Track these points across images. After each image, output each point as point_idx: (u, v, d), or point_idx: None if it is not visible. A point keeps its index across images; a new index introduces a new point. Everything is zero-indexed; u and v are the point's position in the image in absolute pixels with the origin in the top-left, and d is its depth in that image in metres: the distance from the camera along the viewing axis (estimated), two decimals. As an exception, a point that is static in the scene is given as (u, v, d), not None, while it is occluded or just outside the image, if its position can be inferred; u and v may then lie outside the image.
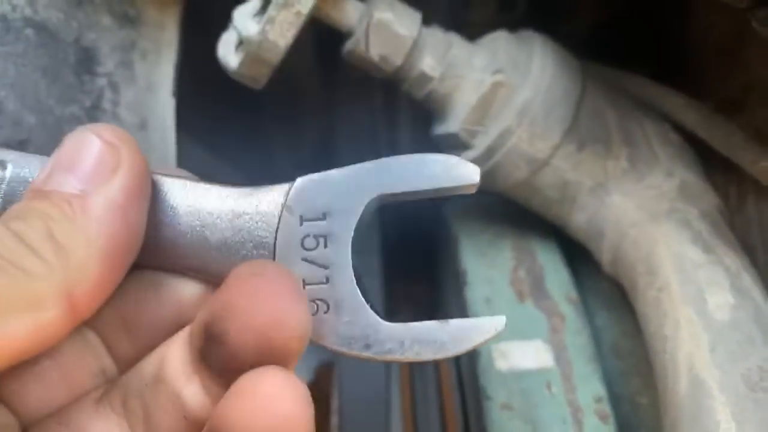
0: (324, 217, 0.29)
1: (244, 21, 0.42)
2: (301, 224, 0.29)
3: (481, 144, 0.49)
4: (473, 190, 0.29)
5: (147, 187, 0.28)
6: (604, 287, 0.54)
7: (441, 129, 0.51)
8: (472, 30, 0.54)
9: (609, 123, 0.51)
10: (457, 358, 0.53)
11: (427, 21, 0.49)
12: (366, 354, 0.28)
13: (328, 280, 0.29)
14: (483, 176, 0.50)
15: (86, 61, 0.50)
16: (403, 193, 0.29)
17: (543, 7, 0.71)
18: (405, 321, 0.29)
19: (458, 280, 0.55)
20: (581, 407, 0.46)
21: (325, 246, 0.29)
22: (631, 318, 0.49)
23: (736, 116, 0.52)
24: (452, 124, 0.49)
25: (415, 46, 0.46)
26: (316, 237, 0.29)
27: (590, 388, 0.47)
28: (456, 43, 0.49)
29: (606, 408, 0.46)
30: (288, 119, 0.79)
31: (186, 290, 0.31)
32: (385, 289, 0.66)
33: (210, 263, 0.30)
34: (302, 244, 0.29)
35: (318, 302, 0.28)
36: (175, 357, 0.29)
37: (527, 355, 0.48)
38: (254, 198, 0.30)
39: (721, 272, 0.42)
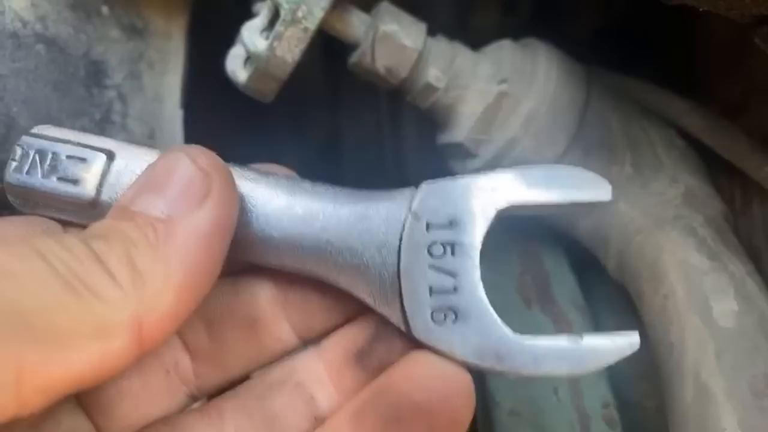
0: (451, 224, 0.28)
1: (252, 36, 0.43)
2: (427, 230, 0.28)
3: (486, 153, 0.49)
4: (603, 207, 0.29)
5: (234, 219, 0.27)
6: (610, 292, 0.54)
7: (446, 138, 0.51)
8: (475, 34, 0.55)
9: (613, 129, 0.51)
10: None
11: (430, 25, 0.49)
12: (499, 367, 0.27)
13: (455, 288, 0.28)
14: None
15: (95, 74, 0.51)
16: (533, 205, 0.28)
17: (546, 10, 0.71)
18: None
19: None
20: (589, 413, 0.47)
21: (453, 254, 0.28)
22: (638, 323, 0.49)
23: (739, 120, 0.52)
24: (458, 134, 0.50)
25: (421, 58, 0.47)
26: (443, 244, 0.28)
27: (598, 394, 0.48)
28: (461, 53, 0.49)
29: (613, 413, 0.47)
30: (294, 121, 0.80)
31: (262, 290, 0.31)
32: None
33: (330, 266, 0.29)
34: (429, 251, 0.28)
35: (445, 311, 0.28)
36: (307, 366, 0.30)
37: (535, 361, 0.49)
38: (377, 202, 0.29)
39: (726, 279, 0.43)
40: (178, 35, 0.55)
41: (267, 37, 0.42)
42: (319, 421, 0.29)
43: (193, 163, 0.27)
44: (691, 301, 0.43)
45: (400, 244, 0.28)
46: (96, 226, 0.26)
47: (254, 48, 0.43)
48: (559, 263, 0.55)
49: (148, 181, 0.27)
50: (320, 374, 0.30)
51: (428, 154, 0.65)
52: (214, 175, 0.27)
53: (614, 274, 0.51)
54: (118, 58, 0.52)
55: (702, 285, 0.43)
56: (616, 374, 0.51)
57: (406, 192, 0.29)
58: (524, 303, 0.53)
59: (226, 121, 0.70)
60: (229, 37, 0.48)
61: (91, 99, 0.50)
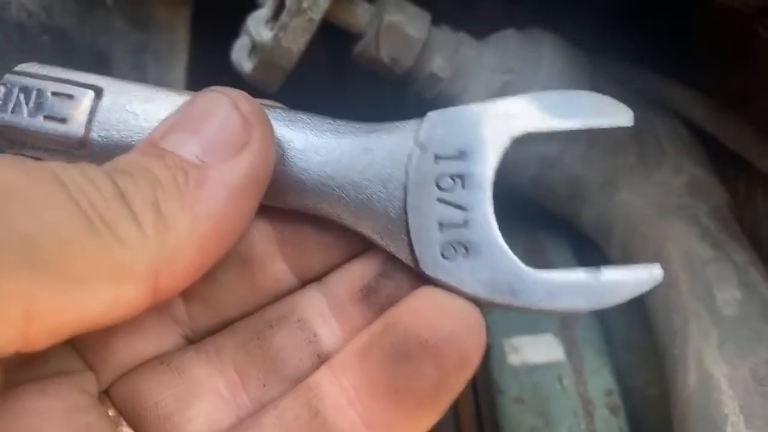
0: (461, 155, 0.26)
1: (258, 27, 0.43)
2: (435, 162, 0.26)
3: (491, 143, 0.49)
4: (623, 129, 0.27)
5: (269, 175, 0.25)
6: (613, 281, 0.55)
7: (451, 128, 0.52)
8: (479, 24, 0.54)
9: (618, 119, 0.51)
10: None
11: (434, 15, 0.49)
12: (513, 303, 0.25)
13: (466, 222, 0.26)
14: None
15: (100, 64, 0.51)
16: (551, 132, 0.26)
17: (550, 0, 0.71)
18: None
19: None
20: (592, 400, 0.47)
21: (463, 186, 0.26)
22: (640, 312, 0.50)
23: (744, 110, 0.52)
24: (462, 124, 0.50)
25: (425, 48, 0.47)
26: (452, 177, 0.26)
27: (601, 381, 0.48)
28: (465, 42, 0.49)
29: (616, 400, 0.47)
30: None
31: (256, 228, 0.29)
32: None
33: (333, 202, 0.27)
34: (437, 184, 0.26)
35: (455, 246, 0.26)
36: (309, 302, 0.28)
37: (539, 349, 0.49)
38: (381, 134, 0.27)
39: (730, 268, 0.43)
40: (182, 26, 0.55)
41: (272, 28, 0.42)
42: (322, 358, 0.28)
43: (234, 108, 0.24)
44: (694, 289, 0.43)
45: (406, 177, 0.27)
46: (121, 160, 0.23)
47: (259, 38, 0.43)
48: (563, 252, 0.55)
49: (184, 119, 0.24)
50: (323, 311, 0.28)
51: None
52: (255, 125, 0.24)
53: (618, 263, 0.51)
54: (122, 48, 0.52)
55: (705, 274, 0.43)
56: (619, 362, 0.51)
57: (412, 123, 0.28)
58: (528, 292, 0.53)
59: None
60: (232, 28, 0.48)
61: (96, 90, 0.50)
